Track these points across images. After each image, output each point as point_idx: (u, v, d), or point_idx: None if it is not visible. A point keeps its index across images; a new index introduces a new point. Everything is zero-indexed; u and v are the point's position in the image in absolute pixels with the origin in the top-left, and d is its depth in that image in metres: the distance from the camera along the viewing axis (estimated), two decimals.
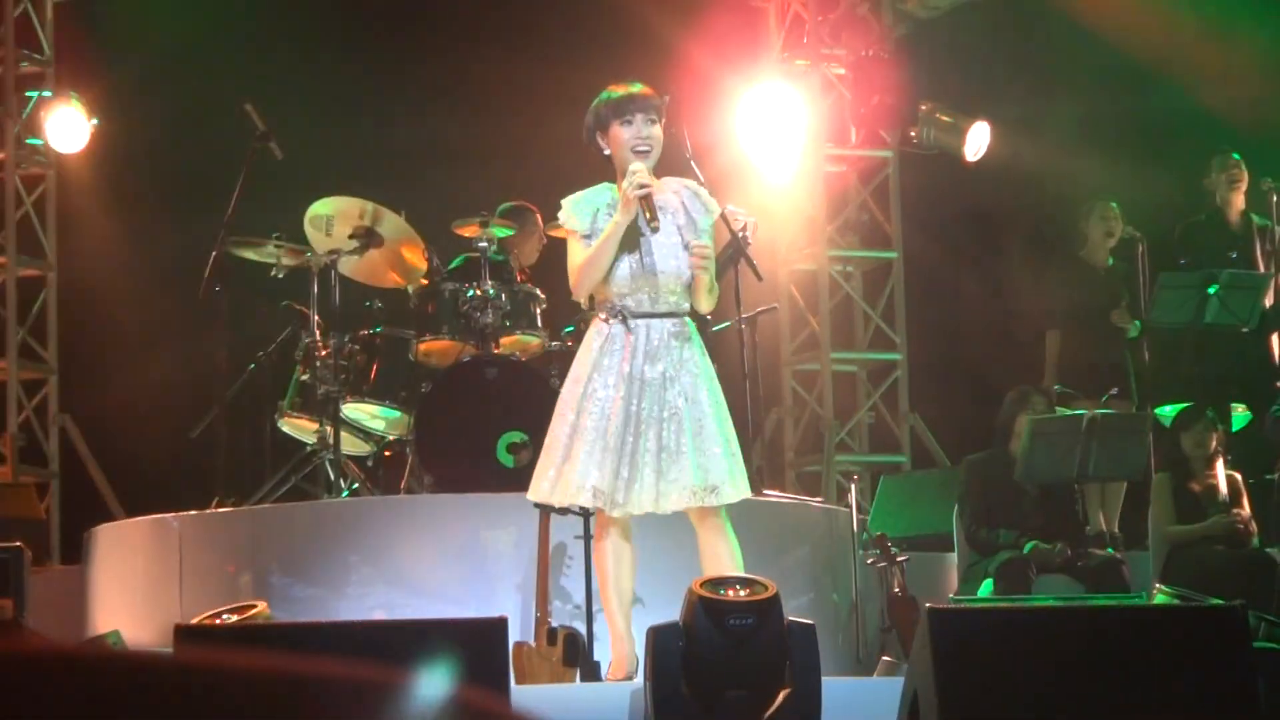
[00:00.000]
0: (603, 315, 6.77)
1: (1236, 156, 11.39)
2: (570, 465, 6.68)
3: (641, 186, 6.58)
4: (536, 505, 7.28)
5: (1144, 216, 11.24)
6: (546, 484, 6.79)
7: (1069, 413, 10.16)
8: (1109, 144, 12.28)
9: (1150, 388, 11.00)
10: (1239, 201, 11.37)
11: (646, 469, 6.65)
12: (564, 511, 7.32)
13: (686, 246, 6.73)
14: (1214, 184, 11.41)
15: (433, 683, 0.89)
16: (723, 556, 6.71)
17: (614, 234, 6.64)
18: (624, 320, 6.73)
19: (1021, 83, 12.40)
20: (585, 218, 6.76)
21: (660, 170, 6.83)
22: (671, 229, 6.75)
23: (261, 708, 0.84)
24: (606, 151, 6.80)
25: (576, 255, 6.74)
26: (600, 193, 6.82)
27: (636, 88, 6.81)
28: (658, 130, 6.74)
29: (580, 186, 6.97)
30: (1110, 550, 9.85)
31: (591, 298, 6.89)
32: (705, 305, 6.88)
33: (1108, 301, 10.98)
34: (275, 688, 0.85)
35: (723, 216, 7.10)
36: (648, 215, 6.60)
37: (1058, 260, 11.34)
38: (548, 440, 6.82)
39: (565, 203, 6.85)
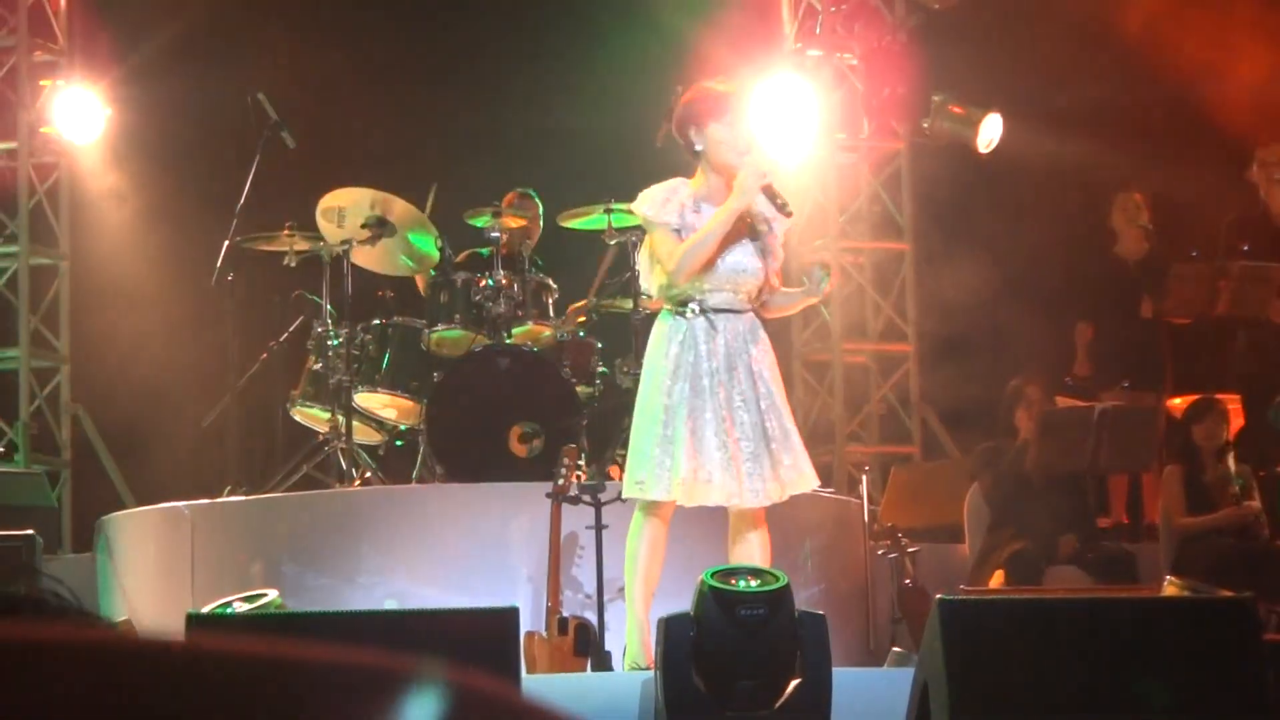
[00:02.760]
0: (682, 311, 6.81)
1: (1274, 145, 11.27)
2: (670, 459, 6.71)
3: (764, 175, 6.73)
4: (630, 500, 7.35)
5: (1162, 207, 11.23)
6: (639, 478, 6.82)
7: (1078, 403, 10.17)
8: (1123, 134, 12.26)
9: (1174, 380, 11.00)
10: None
11: (748, 460, 6.74)
12: (577, 502, 7.33)
13: (760, 247, 6.88)
14: (1255, 177, 11.26)
15: (440, 673, 0.89)
16: (754, 546, 6.79)
17: (725, 220, 6.76)
18: (704, 315, 6.78)
19: (1034, 73, 12.38)
20: (672, 212, 6.83)
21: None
22: (751, 230, 6.90)
23: (272, 694, 0.85)
24: (698, 147, 6.88)
25: (666, 244, 6.81)
26: (680, 186, 6.90)
27: (737, 85, 7.06)
28: (748, 128, 6.96)
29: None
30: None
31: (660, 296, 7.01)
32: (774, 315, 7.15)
33: (1138, 294, 10.95)
34: (286, 674, 0.86)
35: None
36: (779, 200, 6.78)
37: (1086, 255, 11.33)
38: (635, 440, 6.85)
39: (646, 195, 6.91)
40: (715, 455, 6.71)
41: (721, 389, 6.76)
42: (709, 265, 6.80)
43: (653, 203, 6.86)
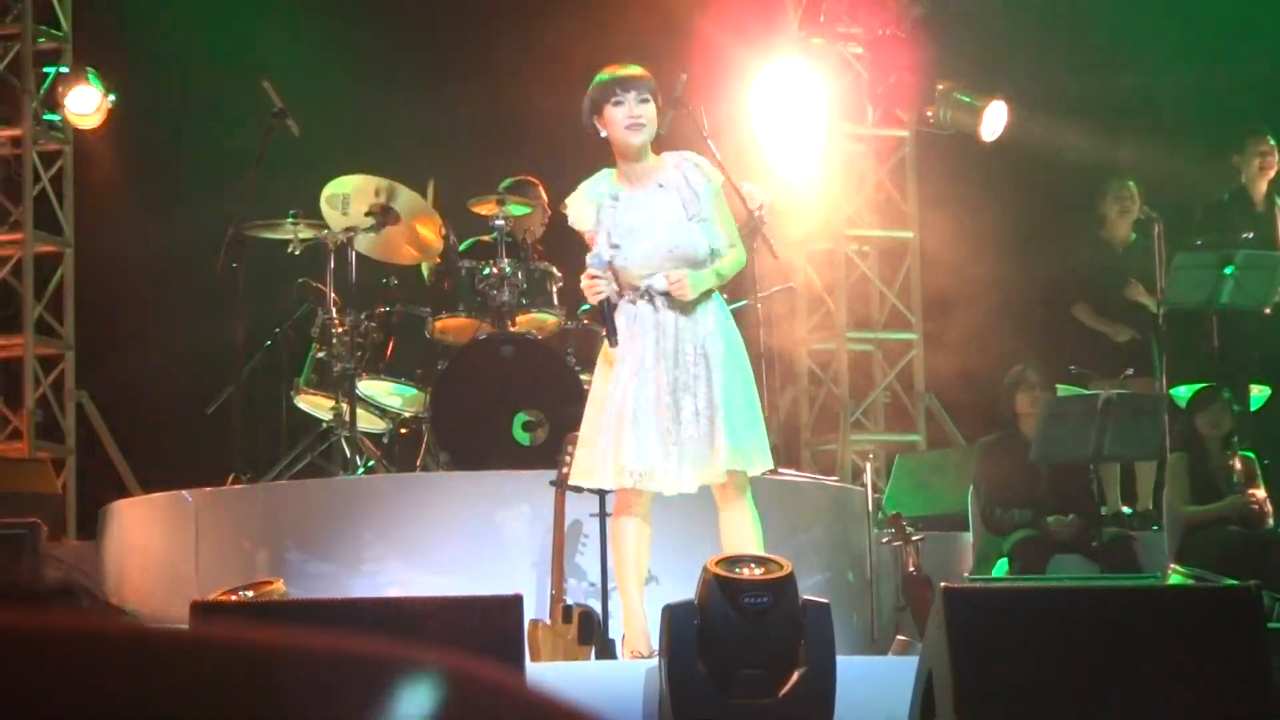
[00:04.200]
0: (628, 297, 6.83)
1: (1272, 141, 11.28)
2: (613, 448, 6.71)
3: (596, 293, 6.74)
4: (572, 489, 7.36)
5: (1163, 196, 11.21)
6: (586, 468, 6.84)
7: (1084, 392, 10.16)
8: (1127, 123, 12.25)
9: (1169, 367, 10.98)
10: (1265, 183, 11.28)
11: (687, 444, 6.73)
12: (580, 491, 7.34)
13: (691, 218, 6.82)
14: (1242, 162, 11.29)
15: (444, 662, 0.89)
16: (744, 535, 6.78)
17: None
18: (650, 299, 6.79)
19: (1039, 62, 12.36)
20: (589, 215, 6.86)
21: (676, 146, 6.89)
22: (677, 204, 6.85)
23: (277, 683, 0.85)
24: (603, 134, 6.89)
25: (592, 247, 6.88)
26: (598, 182, 6.94)
27: (628, 69, 6.93)
28: (650, 109, 6.85)
29: (591, 164, 7.03)
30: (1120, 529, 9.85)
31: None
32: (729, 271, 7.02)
33: (1126, 280, 10.96)
34: (290, 662, 0.86)
35: (740, 196, 7.16)
36: (604, 332, 6.82)
37: (1078, 240, 11.33)
38: (584, 427, 6.87)
39: (569, 202, 6.98)
40: (655, 440, 6.70)
41: (665, 372, 6.75)
42: (647, 252, 6.80)
43: (572, 210, 6.95)
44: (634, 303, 6.85)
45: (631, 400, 6.73)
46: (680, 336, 6.79)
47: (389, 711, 0.84)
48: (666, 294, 6.82)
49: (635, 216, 6.82)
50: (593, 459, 6.80)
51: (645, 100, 6.82)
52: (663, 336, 6.78)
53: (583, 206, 6.88)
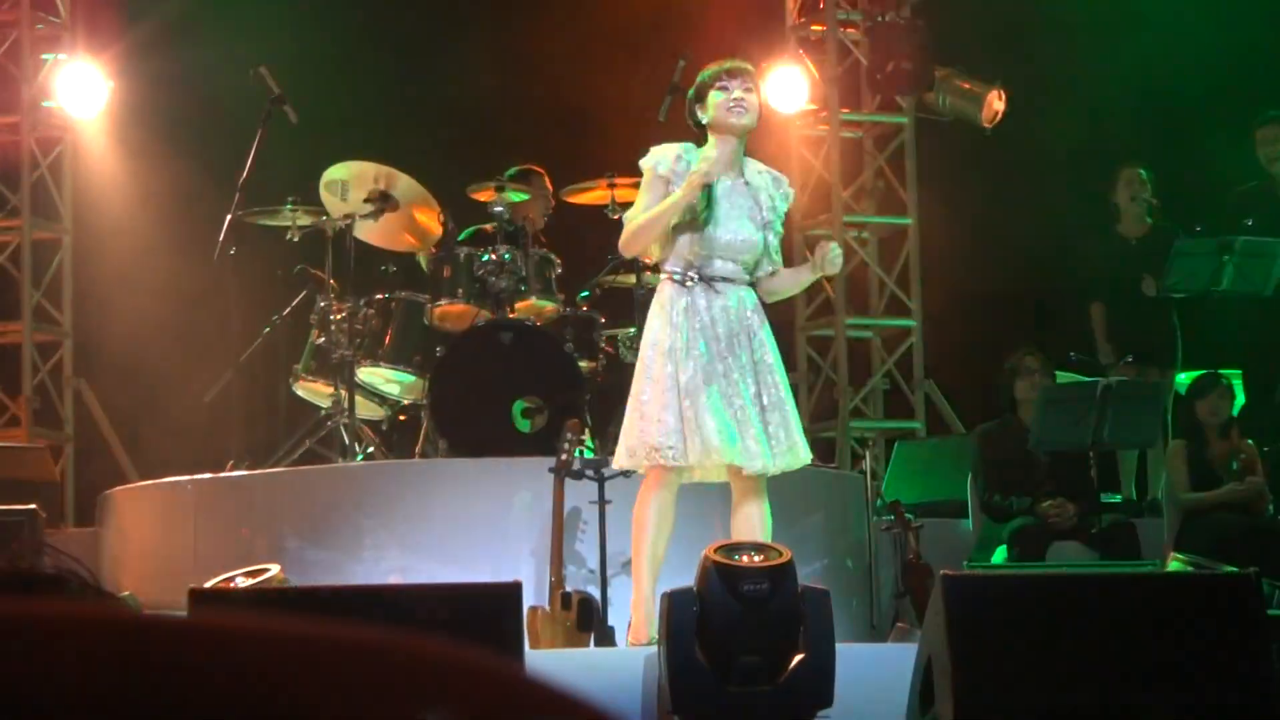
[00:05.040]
0: (678, 276, 6.89)
1: (1276, 120, 11.20)
2: (693, 423, 6.75)
3: (707, 175, 6.84)
4: (625, 474, 7.41)
5: (1167, 181, 11.20)
6: (628, 454, 6.88)
7: (1078, 379, 10.16)
8: (1131, 109, 12.23)
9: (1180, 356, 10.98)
10: None
11: (769, 428, 6.83)
12: (580, 477, 7.35)
13: (765, 225, 7.01)
14: (1260, 151, 11.20)
15: (442, 650, 0.88)
16: (755, 522, 6.83)
17: (672, 209, 6.88)
18: (709, 284, 6.83)
19: (1039, 47, 12.35)
20: (667, 160, 6.97)
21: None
22: (758, 206, 7.03)
23: (276, 671, 0.84)
24: (704, 119, 7.06)
25: (641, 197, 7.02)
26: (687, 151, 7.05)
27: (734, 61, 7.14)
28: (754, 98, 7.06)
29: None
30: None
31: (655, 264, 7.20)
32: (773, 298, 7.22)
33: (1143, 272, 10.92)
34: (290, 651, 0.85)
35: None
36: (700, 205, 6.87)
37: (1093, 233, 11.31)
38: (634, 407, 6.89)
39: (658, 151, 7.05)
40: (715, 423, 6.74)
41: (722, 357, 6.82)
42: (718, 236, 6.90)
43: (654, 152, 7.05)
44: (684, 283, 6.92)
45: (688, 378, 6.78)
46: (733, 324, 6.90)
47: (387, 701, 0.83)
48: (724, 278, 6.94)
49: (718, 197, 6.95)
50: (648, 440, 6.80)
51: (749, 89, 7.03)
52: (717, 320, 6.88)
53: (667, 153, 7.01)
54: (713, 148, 6.95)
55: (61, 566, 1.01)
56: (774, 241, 7.07)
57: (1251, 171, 11.28)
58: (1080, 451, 9.62)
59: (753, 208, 7.01)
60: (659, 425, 6.80)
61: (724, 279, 6.94)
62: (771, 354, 6.95)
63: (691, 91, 7.14)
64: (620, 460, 7.01)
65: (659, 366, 6.87)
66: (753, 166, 7.12)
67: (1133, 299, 10.92)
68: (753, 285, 7.03)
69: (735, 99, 6.97)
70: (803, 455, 6.98)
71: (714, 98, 7.00)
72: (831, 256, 6.92)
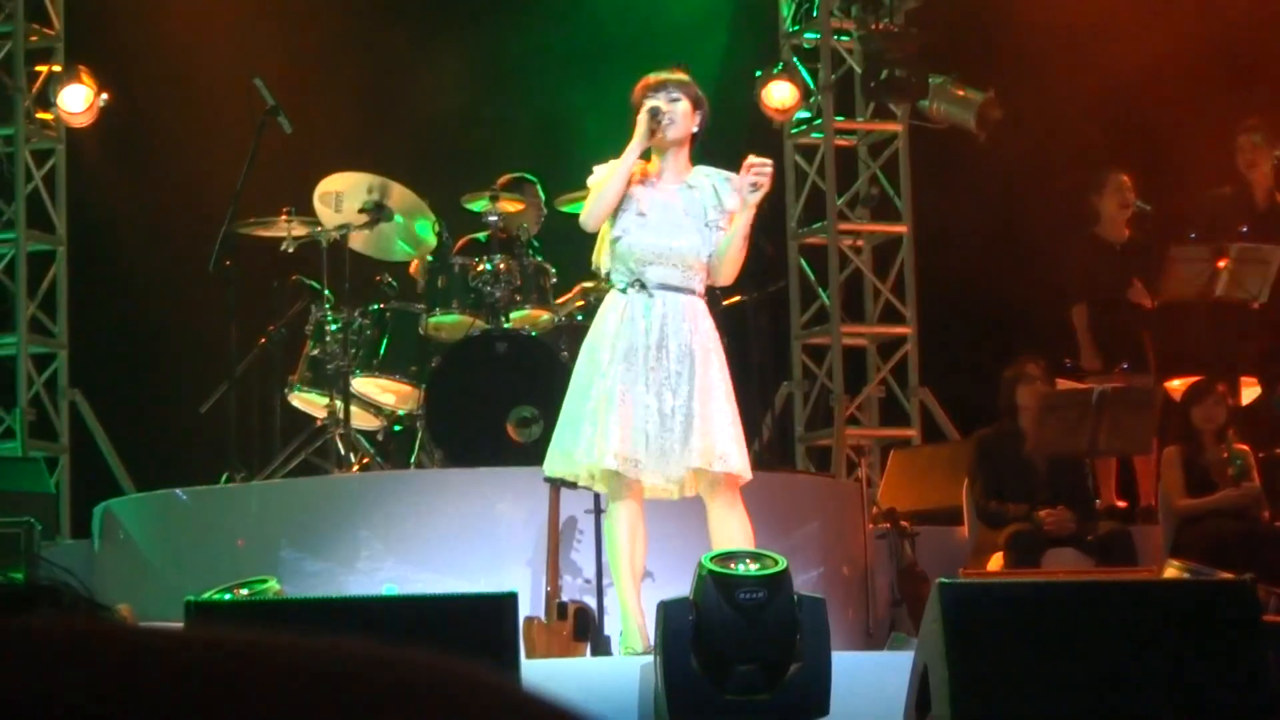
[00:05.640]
0: (621, 286, 6.89)
1: (1257, 127, 11.24)
2: (596, 434, 6.74)
3: (654, 111, 6.88)
4: (550, 480, 7.37)
5: (1161, 188, 11.21)
6: (563, 457, 6.87)
7: (1079, 386, 10.16)
8: (1125, 115, 12.23)
9: (1165, 361, 10.97)
10: (1265, 176, 11.22)
11: (668, 433, 6.76)
12: (574, 486, 7.35)
13: (708, 224, 6.92)
14: (1238, 159, 11.24)
15: (437, 661, 0.88)
16: (733, 534, 6.76)
17: (626, 160, 6.91)
18: (645, 290, 6.84)
19: (1033, 55, 12.35)
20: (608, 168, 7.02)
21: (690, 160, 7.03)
22: (699, 210, 6.96)
23: (271, 683, 0.84)
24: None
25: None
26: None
27: (664, 72, 7.13)
28: (681, 105, 7.00)
29: (589, 160, 7.12)
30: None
31: (607, 274, 7.09)
32: (726, 275, 7.09)
33: (1125, 277, 10.93)
34: (285, 663, 0.85)
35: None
36: (652, 123, 6.88)
37: (1073, 236, 11.31)
38: (565, 414, 6.90)
39: (597, 168, 7.09)
40: (641, 433, 6.74)
41: (650, 365, 6.80)
42: (654, 242, 6.89)
43: (598, 170, 7.07)
44: (624, 291, 6.91)
45: (619, 386, 6.76)
46: (666, 331, 6.85)
47: (377, 713, 0.83)
48: (661, 286, 6.90)
49: (653, 204, 6.93)
50: (576, 443, 6.82)
51: (675, 99, 6.98)
52: (650, 329, 6.84)
53: (600, 169, 7.03)
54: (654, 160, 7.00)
55: (54, 580, 1.01)
56: (715, 235, 6.96)
57: (1227, 177, 11.32)
58: (1077, 458, 9.62)
59: (696, 211, 6.95)
60: (576, 435, 6.84)
61: (666, 286, 6.91)
62: (706, 366, 6.84)
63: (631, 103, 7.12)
64: (547, 467, 7.06)
65: (588, 375, 6.91)
66: (700, 171, 7.07)
67: (1117, 303, 10.94)
68: (697, 291, 6.97)
69: (663, 111, 6.95)
70: (729, 466, 6.80)
71: (640, 113, 6.99)
72: (751, 178, 6.82)
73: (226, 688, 0.83)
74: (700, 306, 6.98)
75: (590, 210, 6.98)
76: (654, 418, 6.77)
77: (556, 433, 6.99)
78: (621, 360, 6.82)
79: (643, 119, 6.88)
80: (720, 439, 6.78)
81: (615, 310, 6.93)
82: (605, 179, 6.92)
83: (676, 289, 6.92)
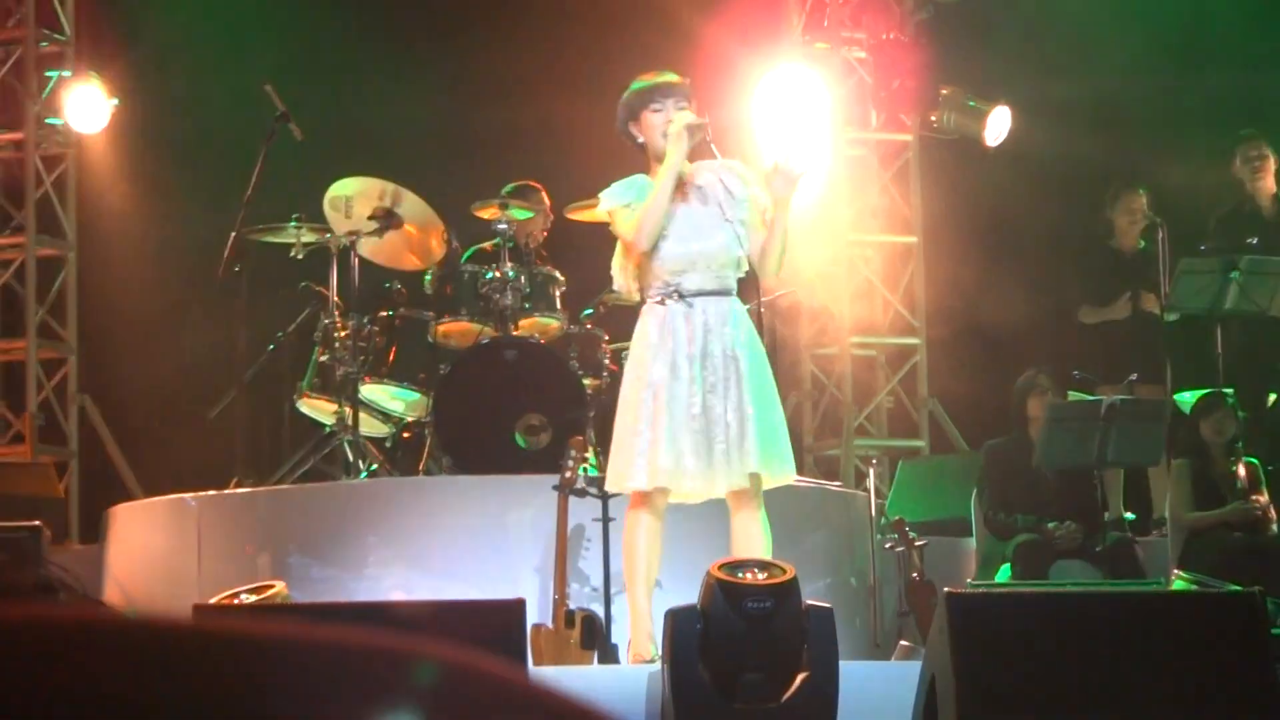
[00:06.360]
0: (657, 298, 6.83)
1: (1255, 137, 11.27)
2: (648, 448, 6.71)
3: (687, 123, 6.74)
4: (609, 494, 7.37)
5: (1170, 200, 11.21)
6: (622, 471, 6.83)
7: (1087, 397, 10.15)
8: (1133, 127, 12.23)
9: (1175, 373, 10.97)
10: (1268, 186, 11.25)
11: (716, 448, 6.74)
12: (589, 494, 7.35)
13: (728, 219, 6.83)
14: (1239, 171, 11.28)
15: (445, 654, 0.88)
16: (755, 541, 6.77)
17: (668, 175, 6.77)
18: (682, 299, 6.79)
19: (1043, 66, 12.35)
20: (630, 195, 6.87)
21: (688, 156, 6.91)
22: (715, 208, 6.88)
23: (277, 673, 0.84)
24: (640, 140, 6.95)
25: (628, 220, 6.84)
26: (635, 180, 6.93)
27: (666, 76, 6.99)
28: (689, 109, 6.90)
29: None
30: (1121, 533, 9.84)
31: (639, 287, 7.00)
32: (772, 266, 6.97)
33: (1137, 288, 10.93)
34: (291, 654, 0.85)
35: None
36: (693, 139, 6.75)
37: (1085, 248, 11.31)
38: (618, 432, 6.86)
39: (606, 192, 6.95)
40: (688, 442, 6.71)
41: (695, 374, 6.76)
42: (682, 249, 6.81)
43: (611, 193, 6.93)
44: (663, 303, 6.86)
45: (665, 399, 6.73)
46: (709, 339, 6.80)
47: (389, 705, 0.83)
48: (698, 292, 6.83)
49: (671, 214, 6.83)
50: (631, 461, 6.78)
51: (683, 107, 6.89)
52: (694, 337, 6.79)
53: (625, 190, 6.89)
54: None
55: (48, 576, 1.01)
56: (747, 232, 6.88)
57: (1226, 192, 11.33)
58: (1085, 470, 9.61)
59: (709, 213, 6.88)
60: (625, 449, 6.80)
61: (702, 292, 6.84)
62: (751, 368, 6.82)
63: (621, 107, 7.00)
64: (609, 484, 7.02)
65: (634, 389, 6.85)
66: (702, 168, 6.97)
67: (1129, 314, 10.95)
68: (733, 289, 6.93)
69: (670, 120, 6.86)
70: (782, 471, 6.85)
71: (649, 119, 6.91)
72: (784, 165, 6.73)
73: (233, 677, 0.82)
74: (739, 307, 6.94)
75: (643, 229, 6.76)
76: (700, 427, 6.74)
77: (612, 452, 6.94)
78: (664, 374, 6.78)
79: (680, 134, 6.73)
80: (780, 444, 6.82)
81: (655, 322, 6.86)
82: (650, 201, 6.75)
83: (713, 293, 6.86)
